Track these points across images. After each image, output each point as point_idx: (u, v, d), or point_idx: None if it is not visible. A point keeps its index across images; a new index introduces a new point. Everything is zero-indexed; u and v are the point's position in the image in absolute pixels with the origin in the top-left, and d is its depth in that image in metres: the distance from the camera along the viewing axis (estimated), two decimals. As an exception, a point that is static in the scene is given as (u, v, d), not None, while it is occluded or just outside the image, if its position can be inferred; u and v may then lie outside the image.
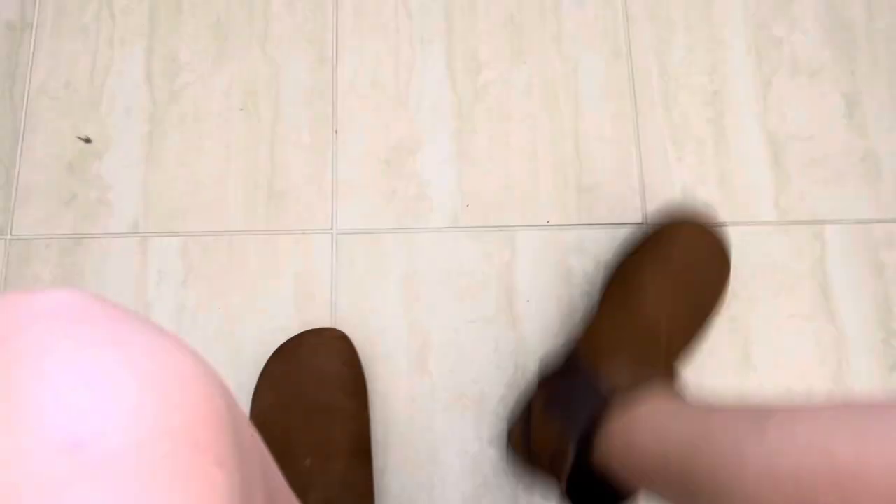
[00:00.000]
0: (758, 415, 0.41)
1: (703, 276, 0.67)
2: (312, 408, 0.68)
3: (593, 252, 0.78)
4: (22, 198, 0.77)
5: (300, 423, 0.67)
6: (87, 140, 0.78)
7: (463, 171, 0.80)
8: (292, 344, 0.71)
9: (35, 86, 0.80)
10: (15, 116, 0.79)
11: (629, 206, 0.80)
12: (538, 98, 0.82)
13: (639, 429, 0.50)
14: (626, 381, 0.56)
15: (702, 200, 0.79)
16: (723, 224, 0.78)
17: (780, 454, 0.37)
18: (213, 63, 0.81)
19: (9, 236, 0.76)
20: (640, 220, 0.79)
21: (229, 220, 0.77)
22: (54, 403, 0.21)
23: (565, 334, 0.75)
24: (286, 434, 0.67)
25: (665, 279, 0.66)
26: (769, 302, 0.77)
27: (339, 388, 0.69)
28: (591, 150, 0.81)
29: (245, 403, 0.72)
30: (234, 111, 0.80)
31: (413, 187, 0.79)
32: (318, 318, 0.75)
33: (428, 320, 0.75)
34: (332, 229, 0.77)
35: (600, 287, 0.71)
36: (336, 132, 0.80)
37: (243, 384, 0.73)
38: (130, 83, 0.80)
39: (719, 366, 0.75)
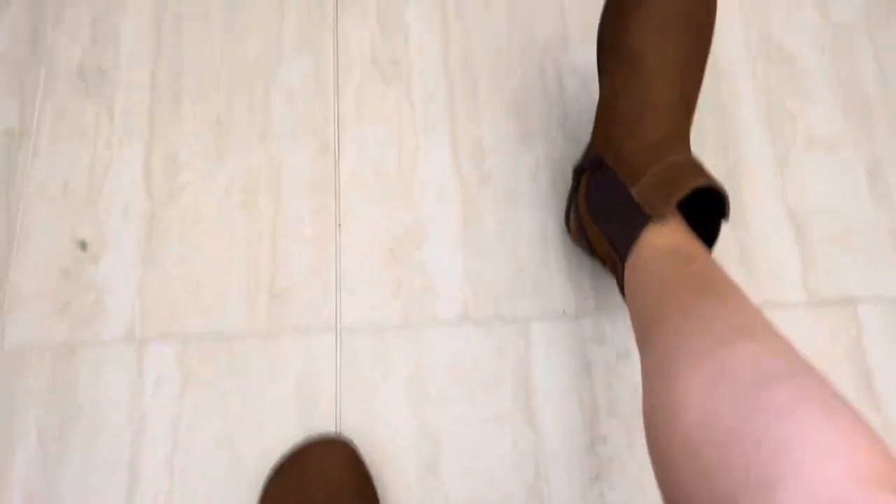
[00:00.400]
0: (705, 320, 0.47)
1: (693, 6, 0.63)
2: None
3: (614, 341, 0.73)
4: (14, 305, 0.75)
5: None
6: (84, 245, 0.76)
7: (470, 260, 0.76)
8: (294, 457, 0.66)
9: (31, 190, 0.79)
10: (10, 222, 0.78)
11: (648, 290, 0.75)
12: (545, 182, 0.79)
13: (637, 272, 0.57)
14: (653, 189, 0.58)
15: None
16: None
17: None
18: (214, 160, 0.80)
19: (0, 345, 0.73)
20: (660, 306, 0.75)
21: (229, 322, 0.74)
22: None
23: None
24: None
25: (658, 31, 0.63)
26: (805, 389, 0.72)
27: (348, 497, 0.64)
28: (604, 234, 0.77)
29: (245, 519, 0.67)
30: (234, 208, 0.78)
31: (419, 279, 0.76)
32: (323, 423, 0.70)
33: (439, 420, 0.71)
34: (336, 326, 0.74)
35: (597, 59, 0.69)
36: (339, 224, 0.78)
37: (242, 500, 0.68)
38: (129, 183, 0.79)
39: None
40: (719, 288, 0.50)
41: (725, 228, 0.77)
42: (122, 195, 0.78)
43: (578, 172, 0.70)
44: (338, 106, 0.82)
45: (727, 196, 0.58)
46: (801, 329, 0.73)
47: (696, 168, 0.59)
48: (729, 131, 0.81)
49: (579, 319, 0.74)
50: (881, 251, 0.76)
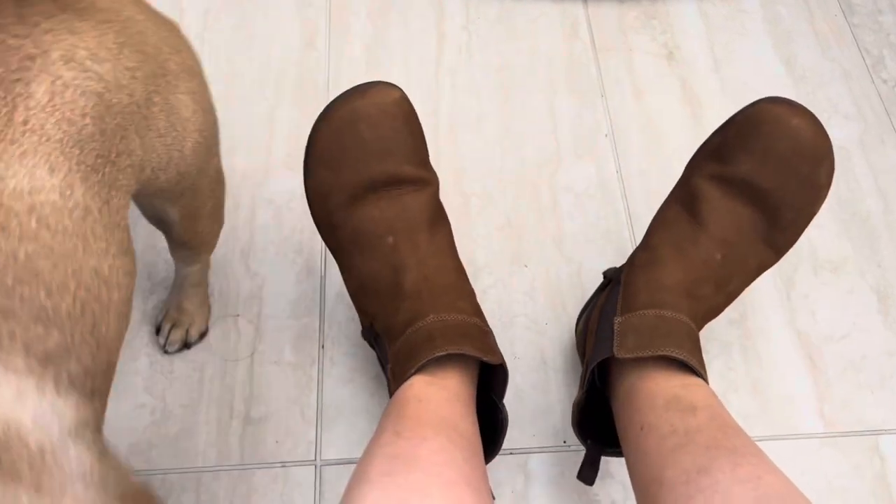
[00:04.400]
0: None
1: (791, 184, 0.56)
2: (380, 184, 0.58)
3: (620, 476, 0.67)
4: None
5: (367, 201, 0.58)
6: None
7: (464, 388, 0.71)
8: (344, 111, 0.58)
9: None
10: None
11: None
12: (541, 303, 0.75)
13: (633, 424, 0.53)
14: (631, 330, 0.55)
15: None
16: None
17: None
18: (192, 278, 0.76)
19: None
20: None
21: (198, 455, 0.67)
22: None
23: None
24: (354, 215, 0.58)
25: (737, 195, 0.57)
26: (832, 533, 0.66)
27: (407, 159, 0.59)
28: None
29: None
30: (211, 326, 0.73)
31: (409, 408, 0.70)
32: (299, 573, 0.63)
33: (429, 570, 0.63)
34: (315, 460, 0.67)
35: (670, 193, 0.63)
36: (323, 347, 0.73)
37: None
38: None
39: None
40: (728, 444, 0.46)
41: (733, 352, 0.73)
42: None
43: (606, 277, 0.66)
44: (325, 222, 0.80)
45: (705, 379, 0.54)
46: (818, 462, 0.68)
47: (688, 338, 0.55)
48: (730, 252, 0.79)
49: (582, 452, 0.68)
50: (899, 379, 0.72)
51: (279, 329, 0.73)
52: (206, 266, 0.70)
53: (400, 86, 0.59)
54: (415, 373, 0.53)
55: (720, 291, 0.59)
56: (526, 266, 0.78)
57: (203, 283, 0.71)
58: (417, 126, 0.60)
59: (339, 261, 0.61)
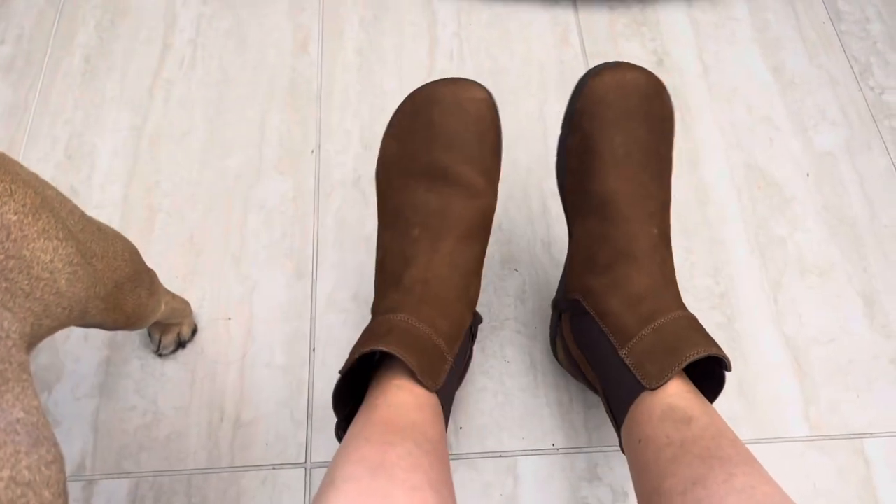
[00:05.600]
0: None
1: (655, 126, 0.59)
2: (434, 173, 0.58)
3: (608, 479, 0.68)
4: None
5: (418, 185, 0.58)
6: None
7: (456, 393, 0.71)
8: (427, 92, 0.59)
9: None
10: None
11: (642, 423, 0.71)
12: (531, 307, 0.76)
13: (633, 436, 0.53)
14: (647, 357, 0.54)
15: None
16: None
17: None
18: (182, 279, 0.76)
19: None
20: (656, 440, 0.70)
21: (189, 457, 0.67)
22: None
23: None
24: (402, 193, 0.59)
25: (622, 171, 0.58)
26: (817, 534, 0.66)
27: (467, 160, 0.58)
28: (594, 362, 0.73)
29: None
30: (201, 331, 0.73)
31: (399, 410, 0.70)
32: (288, 575, 0.63)
33: (418, 572, 0.63)
34: (305, 463, 0.68)
35: (562, 203, 0.64)
36: (313, 350, 0.73)
37: None
38: (92, 305, 0.74)
39: None
40: (722, 454, 0.46)
41: (720, 357, 0.74)
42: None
43: (557, 309, 0.66)
44: (317, 230, 0.80)
45: (728, 361, 0.54)
46: (803, 466, 0.69)
47: (691, 330, 0.54)
48: (719, 256, 0.79)
49: (571, 455, 0.69)
50: (884, 384, 0.73)
51: (270, 332, 0.74)
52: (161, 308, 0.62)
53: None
54: (379, 371, 0.54)
55: (669, 254, 0.59)
56: (516, 270, 0.78)
57: (168, 303, 0.65)
58: (491, 134, 0.60)
59: (378, 230, 0.62)
